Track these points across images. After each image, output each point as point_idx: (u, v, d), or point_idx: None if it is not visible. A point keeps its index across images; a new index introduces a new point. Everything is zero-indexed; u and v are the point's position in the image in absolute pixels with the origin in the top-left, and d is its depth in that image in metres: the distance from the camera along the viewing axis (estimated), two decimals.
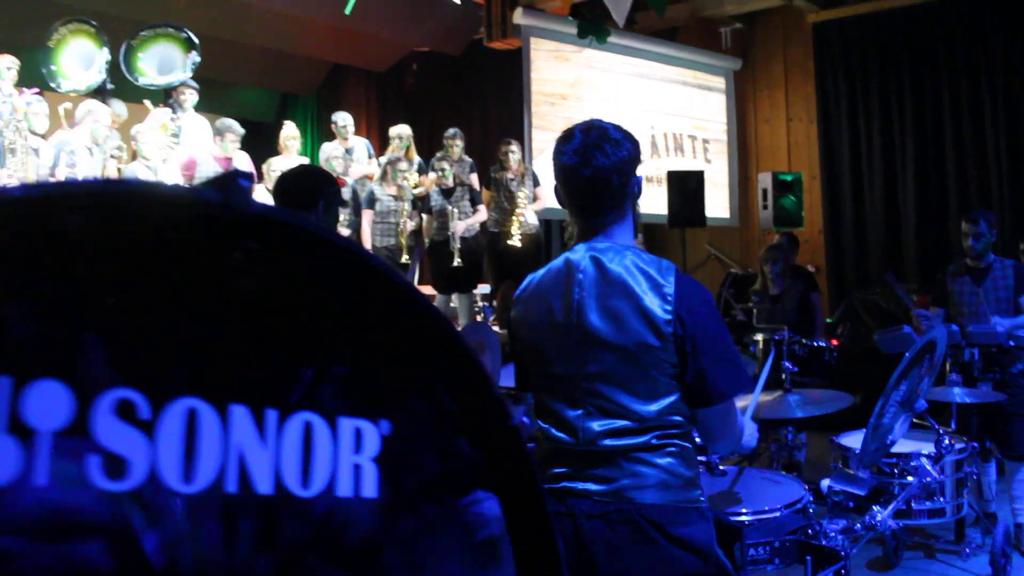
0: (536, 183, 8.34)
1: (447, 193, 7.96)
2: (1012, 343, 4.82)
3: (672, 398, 2.04)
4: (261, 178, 7.85)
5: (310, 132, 12.36)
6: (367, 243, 7.74)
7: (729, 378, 2.05)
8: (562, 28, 9.30)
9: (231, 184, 0.85)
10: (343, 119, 8.77)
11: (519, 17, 8.96)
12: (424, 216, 8.19)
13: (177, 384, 0.83)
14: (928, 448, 2.90)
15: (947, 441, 2.46)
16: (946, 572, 4.67)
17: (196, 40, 7.34)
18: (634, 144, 2.18)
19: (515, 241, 7.97)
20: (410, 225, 7.86)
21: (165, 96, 7.60)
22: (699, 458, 2.79)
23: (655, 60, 10.60)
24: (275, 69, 11.91)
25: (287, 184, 3.08)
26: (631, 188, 2.17)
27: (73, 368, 0.77)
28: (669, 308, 2.01)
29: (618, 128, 2.20)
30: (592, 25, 8.27)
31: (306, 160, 8.69)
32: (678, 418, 2.06)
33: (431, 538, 1.02)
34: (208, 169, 7.25)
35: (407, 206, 7.87)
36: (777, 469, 2.89)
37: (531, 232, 8.16)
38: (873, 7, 9.99)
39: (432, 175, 8.22)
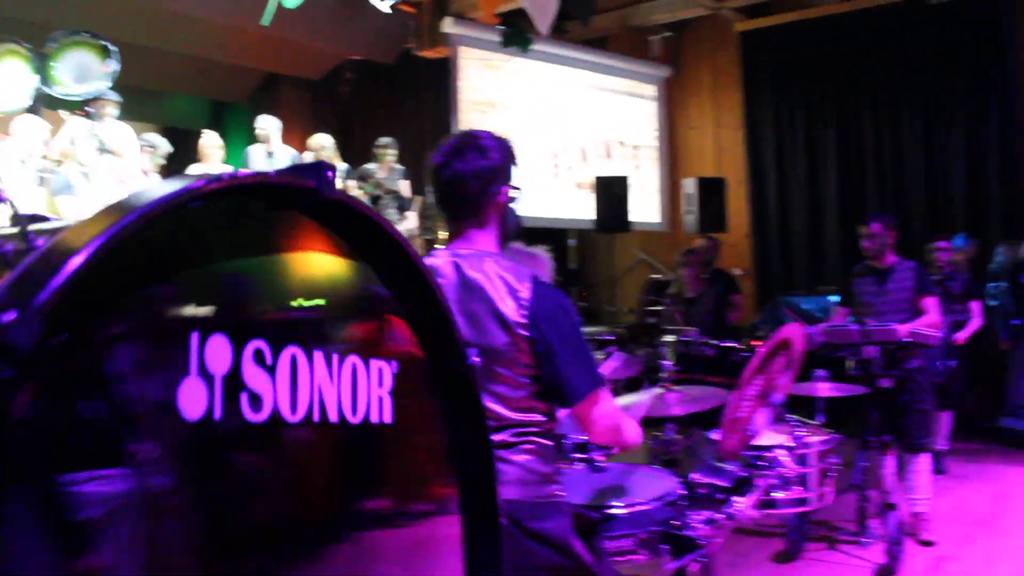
0: None
1: (373, 200, 8.05)
2: (908, 340, 5.00)
3: (528, 398, 2.14)
4: None
5: (245, 140, 12.32)
6: None
7: (582, 378, 2.14)
8: (491, 37, 9.40)
9: (321, 174, 1.07)
10: (262, 124, 8.82)
11: (448, 26, 9.07)
12: None
13: (283, 336, 1.05)
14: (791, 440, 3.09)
15: (800, 433, 2.60)
16: (844, 561, 4.85)
17: (113, 48, 7.30)
18: (504, 155, 2.26)
19: None
20: None
21: (83, 105, 7.55)
22: (579, 455, 2.92)
23: (585, 68, 10.77)
24: (206, 77, 11.85)
25: None
26: (492, 197, 2.25)
27: (230, 323, 0.98)
28: (524, 312, 2.11)
29: (493, 138, 2.28)
30: (516, 34, 8.40)
31: (229, 169, 8.69)
32: (536, 416, 2.15)
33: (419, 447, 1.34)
34: (132, 180, 7.26)
35: None
36: (657, 465, 3.01)
37: None
38: (798, 16, 10.28)
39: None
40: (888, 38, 9.70)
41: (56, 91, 7.35)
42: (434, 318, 1.34)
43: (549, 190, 10.28)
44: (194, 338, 0.93)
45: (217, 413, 0.94)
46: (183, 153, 9.66)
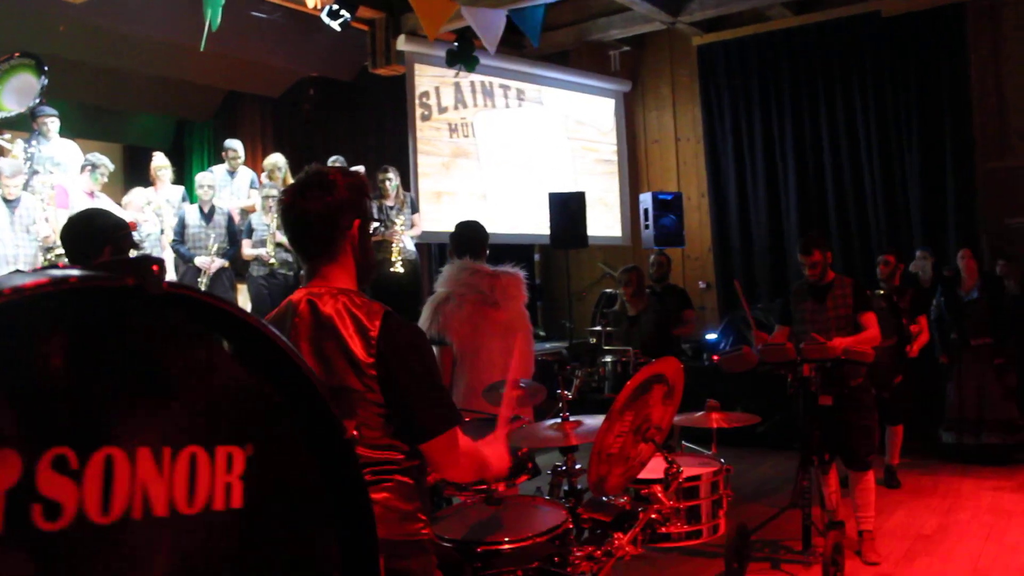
0: (414, 209, 8.44)
1: None
2: (844, 358, 4.96)
3: (384, 436, 2.10)
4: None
5: (207, 157, 12.29)
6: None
7: (435, 416, 2.11)
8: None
9: (144, 269, 1.05)
10: (233, 147, 8.88)
11: (402, 44, 9.04)
12: None
13: (98, 438, 1.03)
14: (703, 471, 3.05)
15: (674, 469, 2.55)
16: None
17: (45, 65, 7.27)
18: (352, 189, 2.22)
19: (398, 268, 8.06)
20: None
21: (31, 118, 7.51)
22: (480, 487, 2.87)
23: (543, 84, 10.75)
24: (169, 96, 11.83)
25: (74, 229, 3.10)
26: (342, 232, 2.21)
27: (21, 437, 0.97)
28: (372, 351, 2.07)
29: (341, 172, 2.25)
30: (460, 53, 8.37)
31: (180, 189, 8.65)
32: (393, 455, 2.11)
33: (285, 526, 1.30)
34: (77, 201, 7.20)
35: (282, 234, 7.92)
36: (556, 497, 2.97)
37: (411, 258, 8.26)
38: (754, 30, 10.30)
39: None
40: (844, 51, 9.72)
41: (1, 115, 7.32)
42: (298, 390, 1.30)
43: (510, 206, 10.25)
44: None
45: None
46: (145, 171, 9.63)
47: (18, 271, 1.13)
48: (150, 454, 1.09)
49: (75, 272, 1.03)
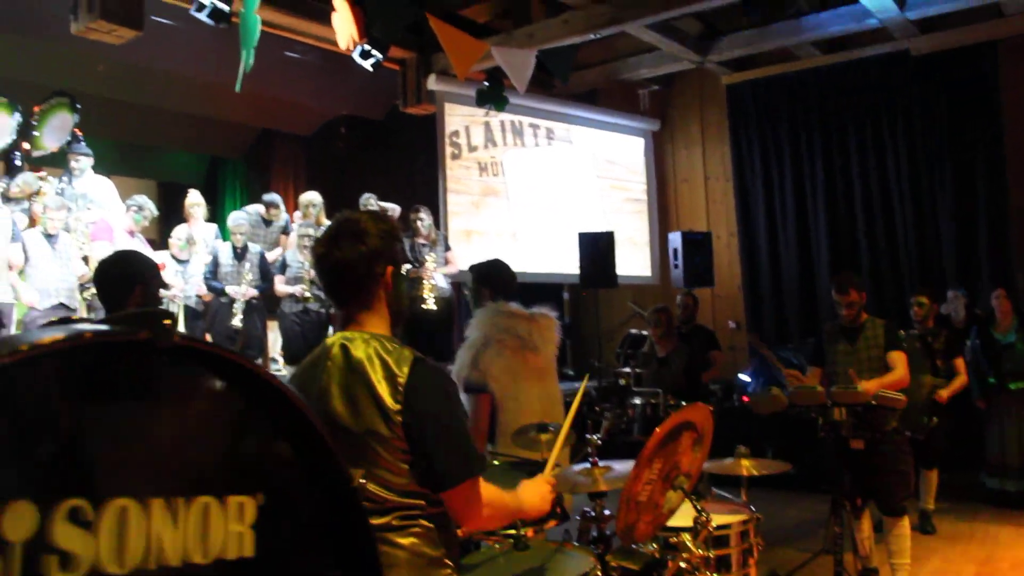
0: (447, 247, 8.47)
1: None
2: (875, 402, 4.88)
3: (410, 481, 2.10)
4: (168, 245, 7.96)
5: (240, 195, 12.43)
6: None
7: (454, 465, 2.10)
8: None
9: (157, 323, 1.09)
10: (275, 202, 9.02)
11: (433, 84, 9.12)
12: None
13: (113, 488, 1.04)
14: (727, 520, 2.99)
15: (704, 517, 2.51)
16: None
17: (78, 103, 7.44)
18: (384, 236, 2.25)
19: (430, 305, 8.08)
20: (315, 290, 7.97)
21: (66, 164, 7.66)
22: (508, 532, 2.84)
23: (573, 123, 10.80)
24: (202, 133, 12.00)
25: (106, 269, 3.15)
26: (375, 279, 2.24)
27: (37, 487, 0.98)
28: (400, 397, 2.07)
29: (372, 220, 2.27)
30: (491, 93, 8.44)
31: (213, 226, 8.74)
32: (419, 500, 2.11)
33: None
34: (120, 238, 7.31)
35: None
36: (585, 543, 2.93)
37: (444, 295, 8.27)
38: (783, 69, 10.28)
39: None
40: (874, 90, 9.68)
41: (36, 154, 7.48)
42: (305, 442, 1.33)
43: (540, 245, 10.27)
44: None
45: None
46: (179, 208, 9.76)
47: (58, 321, 1.15)
48: (164, 504, 1.10)
49: (90, 327, 1.06)
